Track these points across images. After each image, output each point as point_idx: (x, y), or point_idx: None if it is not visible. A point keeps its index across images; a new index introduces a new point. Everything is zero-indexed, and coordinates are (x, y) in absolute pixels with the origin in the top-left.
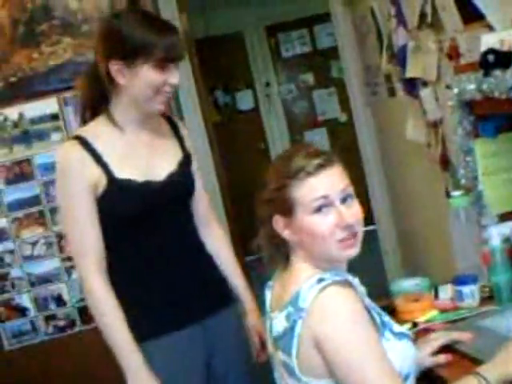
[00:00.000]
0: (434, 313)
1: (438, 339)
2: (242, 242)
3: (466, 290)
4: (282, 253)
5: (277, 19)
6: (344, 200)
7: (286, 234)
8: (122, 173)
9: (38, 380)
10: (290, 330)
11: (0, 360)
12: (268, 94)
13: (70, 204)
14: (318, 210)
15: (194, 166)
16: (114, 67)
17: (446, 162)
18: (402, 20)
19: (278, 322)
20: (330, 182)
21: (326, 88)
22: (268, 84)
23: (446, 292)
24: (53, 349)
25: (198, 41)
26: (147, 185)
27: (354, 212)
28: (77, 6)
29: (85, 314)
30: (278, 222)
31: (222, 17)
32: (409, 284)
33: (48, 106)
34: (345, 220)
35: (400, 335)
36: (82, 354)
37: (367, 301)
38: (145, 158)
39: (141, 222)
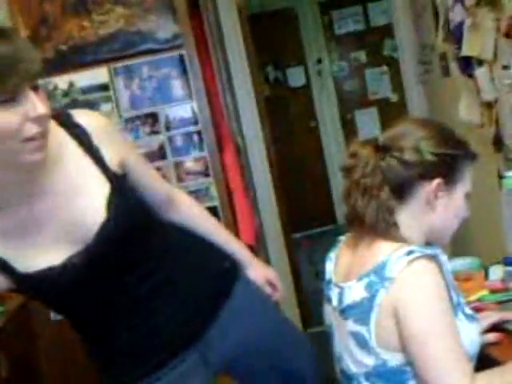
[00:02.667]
0: (484, 293)
1: (489, 317)
2: (289, 219)
3: None
4: (383, 222)
5: None
6: None
7: (439, 195)
8: (31, 263)
9: (82, 350)
10: (370, 299)
11: (47, 330)
12: (319, 71)
13: None
14: (467, 197)
15: (131, 163)
16: None
17: (499, 143)
18: None
19: (354, 291)
20: None
21: (378, 66)
22: (320, 61)
23: (497, 272)
24: None
25: (251, 16)
26: (74, 260)
27: None
28: None
29: None
30: (437, 186)
31: None
32: (459, 263)
33: (98, 75)
34: None
35: (471, 318)
36: None
37: (450, 279)
38: (55, 225)
39: (89, 295)
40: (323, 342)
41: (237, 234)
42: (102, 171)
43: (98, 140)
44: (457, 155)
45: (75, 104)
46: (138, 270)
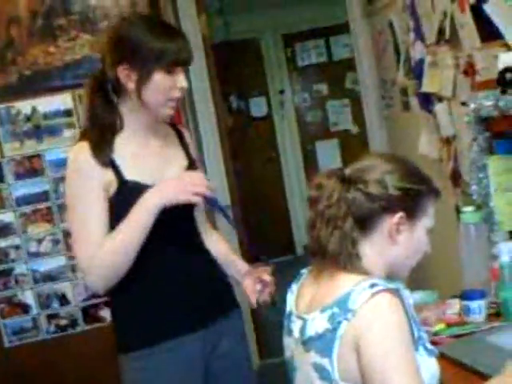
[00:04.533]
0: (440, 326)
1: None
2: (248, 249)
3: (474, 304)
4: (345, 253)
5: (294, 28)
6: None
7: (401, 229)
8: (132, 175)
9: (35, 378)
10: (332, 331)
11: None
12: (282, 101)
13: (79, 203)
14: (429, 232)
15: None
16: (124, 72)
17: (457, 178)
18: (420, 34)
19: (317, 323)
20: None
21: (339, 99)
22: (282, 92)
23: (453, 306)
24: (53, 348)
25: (215, 45)
26: None
27: None
28: (96, 2)
29: (88, 314)
30: (400, 220)
31: (240, 23)
32: (415, 297)
33: (62, 101)
34: None
35: (431, 352)
36: (83, 355)
37: (411, 313)
38: (154, 162)
39: None
40: (277, 373)
41: None
42: (186, 154)
43: (187, 140)
44: (420, 190)
45: (38, 129)
46: (179, 234)
